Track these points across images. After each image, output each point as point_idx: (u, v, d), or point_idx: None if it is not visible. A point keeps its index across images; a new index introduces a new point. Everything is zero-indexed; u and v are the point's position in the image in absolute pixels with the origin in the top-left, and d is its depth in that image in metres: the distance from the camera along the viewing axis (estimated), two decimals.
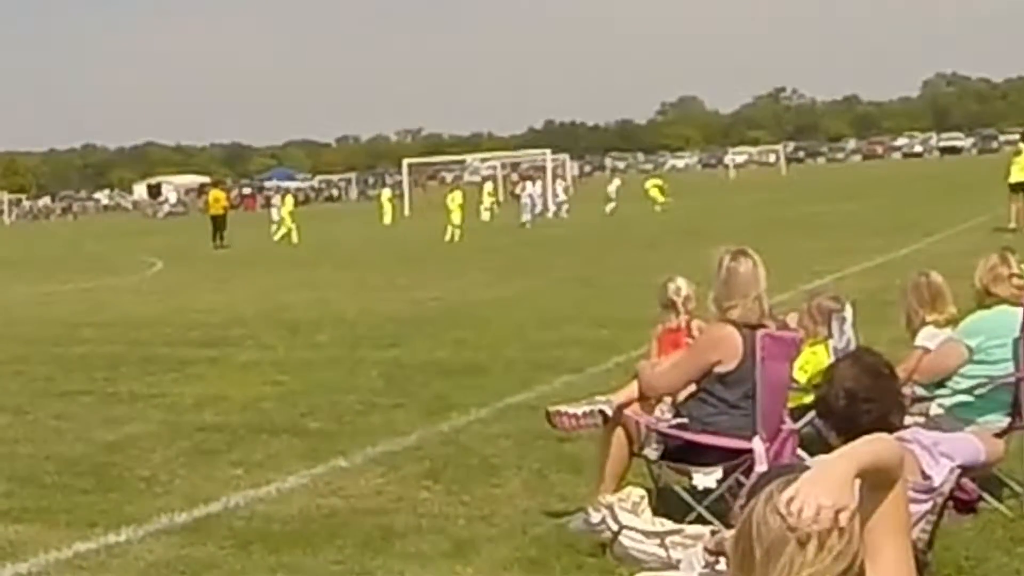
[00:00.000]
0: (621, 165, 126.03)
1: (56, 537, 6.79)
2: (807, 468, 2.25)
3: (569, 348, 12.72)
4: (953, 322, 6.81)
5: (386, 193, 55.18)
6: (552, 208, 47.21)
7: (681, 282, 7.31)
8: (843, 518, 2.14)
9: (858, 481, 2.21)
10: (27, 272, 32.35)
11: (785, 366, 6.25)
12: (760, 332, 6.07)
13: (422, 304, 18.18)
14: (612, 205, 46.18)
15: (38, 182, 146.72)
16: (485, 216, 47.86)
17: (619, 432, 6.30)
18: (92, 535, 6.79)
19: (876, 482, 2.29)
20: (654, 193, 46.96)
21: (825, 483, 2.18)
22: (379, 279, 23.34)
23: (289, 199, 45.27)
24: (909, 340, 6.97)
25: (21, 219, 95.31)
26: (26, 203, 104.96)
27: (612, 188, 48.57)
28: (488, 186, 53.82)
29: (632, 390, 6.42)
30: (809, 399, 6.52)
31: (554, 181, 52.94)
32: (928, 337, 6.77)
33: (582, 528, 6.00)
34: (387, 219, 49.97)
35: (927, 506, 4.46)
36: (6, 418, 10.56)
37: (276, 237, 41.17)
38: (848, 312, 7.20)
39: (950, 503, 4.76)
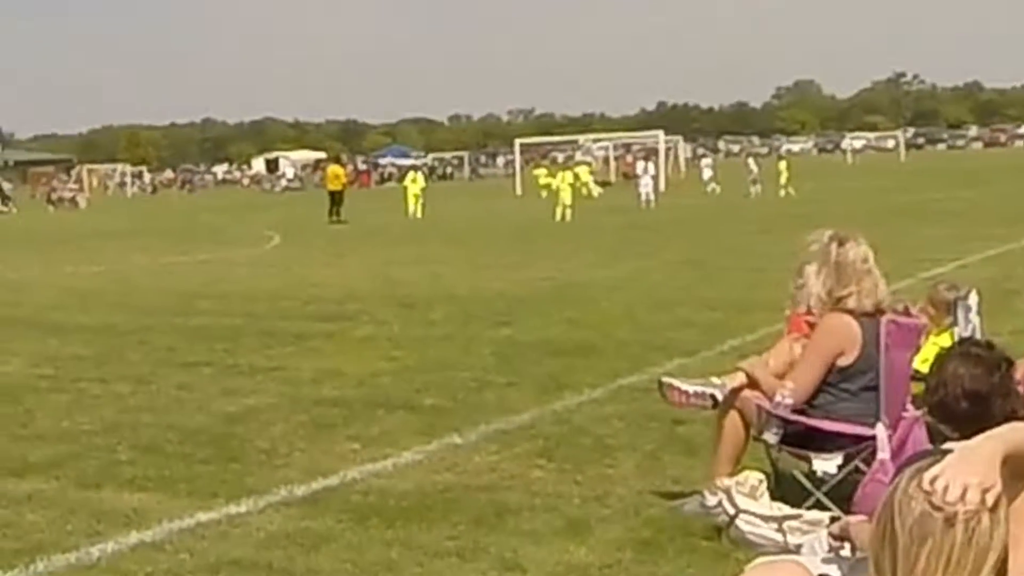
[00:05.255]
0: (735, 148, 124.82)
1: (178, 506, 6.91)
2: (951, 451, 2.22)
3: (682, 330, 12.67)
4: None
5: (542, 171, 54.56)
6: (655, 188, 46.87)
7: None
8: (990, 497, 2.11)
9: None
10: (148, 243, 32.98)
11: (908, 353, 6.16)
12: (885, 318, 5.99)
13: (533, 283, 18.22)
14: (758, 187, 45.81)
15: (159, 155, 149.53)
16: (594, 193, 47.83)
17: (734, 415, 6.25)
18: (213, 505, 6.90)
19: (1019, 469, 2.25)
20: (784, 177, 46.18)
21: (971, 463, 2.15)
22: (491, 257, 23.43)
23: (420, 176, 45.84)
24: None
25: (141, 191, 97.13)
26: (147, 175, 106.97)
27: (755, 169, 48.00)
28: (583, 168, 53.21)
29: (747, 374, 6.36)
30: None
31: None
32: None
33: (697, 511, 5.99)
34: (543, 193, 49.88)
35: None
36: (129, 387, 10.78)
37: (419, 215, 41.58)
38: (973, 300, 7.07)
39: None
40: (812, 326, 6.34)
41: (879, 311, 6.01)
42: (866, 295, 5.98)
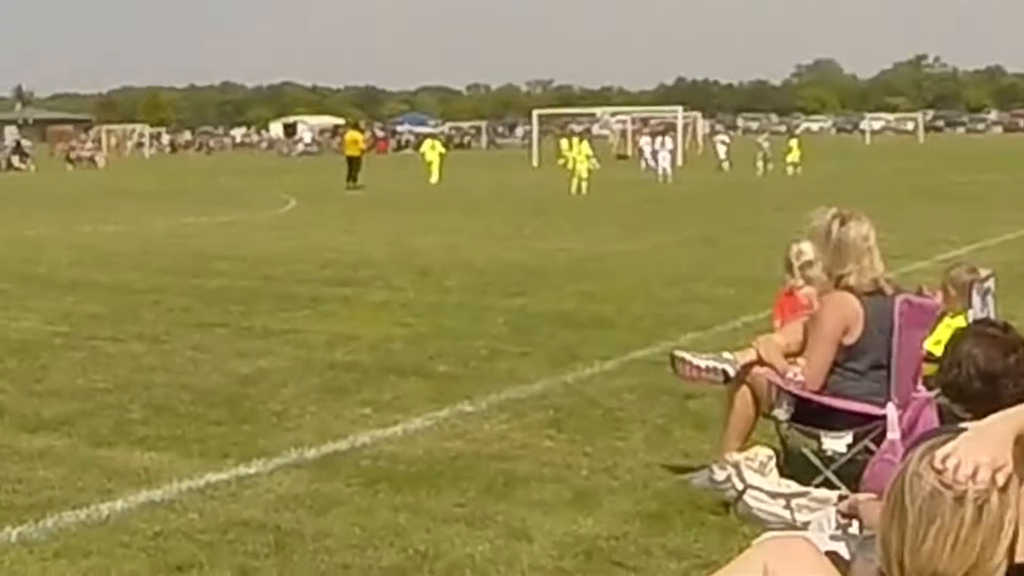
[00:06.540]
0: (754, 126, 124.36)
1: (189, 466, 6.93)
2: (964, 430, 2.22)
3: (696, 305, 12.68)
4: None
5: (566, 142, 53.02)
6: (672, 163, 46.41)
7: (806, 246, 7.18)
8: (1000, 477, 2.11)
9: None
10: (165, 204, 33.02)
11: (921, 333, 6.16)
12: (899, 298, 6.00)
13: (549, 255, 18.23)
14: (767, 165, 45.69)
15: (178, 117, 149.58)
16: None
17: (745, 390, 6.25)
18: (224, 466, 6.92)
19: None
20: (794, 155, 45.77)
21: (984, 442, 2.15)
22: (507, 228, 23.44)
23: (438, 143, 46.12)
24: None
25: (160, 152, 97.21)
26: (165, 137, 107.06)
27: (766, 145, 47.84)
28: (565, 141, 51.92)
29: (758, 352, 6.36)
30: None
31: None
32: None
33: (706, 485, 5.99)
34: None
35: None
36: (143, 346, 10.82)
37: (432, 181, 41.89)
38: (991, 283, 7.06)
39: None
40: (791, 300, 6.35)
41: (878, 289, 6.01)
42: (864, 273, 5.97)
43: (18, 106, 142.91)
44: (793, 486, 5.69)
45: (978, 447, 2.13)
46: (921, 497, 2.14)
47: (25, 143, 75.83)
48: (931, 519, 2.13)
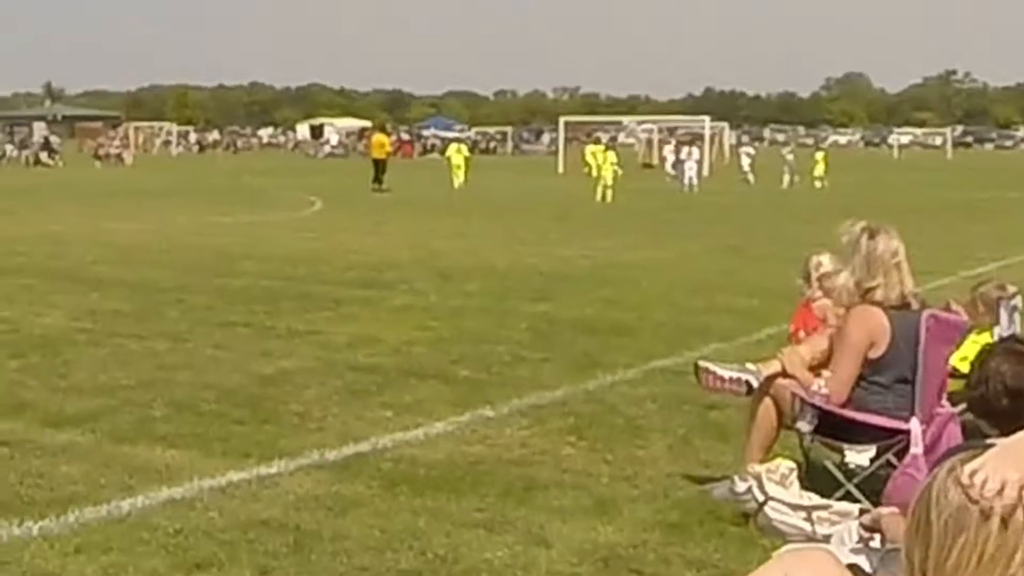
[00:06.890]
0: (781, 137, 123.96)
1: (211, 465, 6.96)
2: (991, 446, 2.20)
3: (719, 315, 12.65)
4: None
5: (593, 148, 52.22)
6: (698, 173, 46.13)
7: (825, 258, 7.15)
8: None
9: None
10: (191, 202, 33.07)
11: (947, 349, 6.14)
12: (925, 313, 5.97)
13: (572, 261, 18.22)
14: (793, 178, 45.47)
15: (206, 116, 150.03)
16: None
17: (768, 402, 6.24)
18: (245, 465, 6.94)
19: None
20: (819, 169, 45.51)
21: (1012, 459, 2.13)
22: (530, 233, 23.43)
23: (464, 147, 46.29)
24: None
25: (187, 151, 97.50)
26: (193, 135, 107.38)
27: (790, 157, 47.54)
28: (590, 148, 51.42)
29: (782, 364, 6.34)
30: None
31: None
32: None
33: (726, 496, 5.98)
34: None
35: None
36: (166, 344, 10.84)
37: (456, 185, 42.04)
38: (1018, 300, 7.02)
39: None
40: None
41: (905, 304, 5.99)
42: (892, 288, 5.95)
43: (48, 102, 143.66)
44: (814, 499, 5.67)
45: (1006, 463, 2.11)
46: (947, 512, 2.12)
47: (54, 139, 76.01)
48: (956, 534, 2.11)
